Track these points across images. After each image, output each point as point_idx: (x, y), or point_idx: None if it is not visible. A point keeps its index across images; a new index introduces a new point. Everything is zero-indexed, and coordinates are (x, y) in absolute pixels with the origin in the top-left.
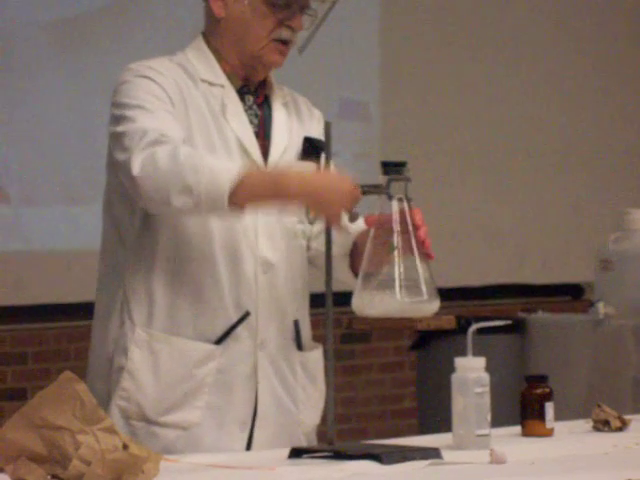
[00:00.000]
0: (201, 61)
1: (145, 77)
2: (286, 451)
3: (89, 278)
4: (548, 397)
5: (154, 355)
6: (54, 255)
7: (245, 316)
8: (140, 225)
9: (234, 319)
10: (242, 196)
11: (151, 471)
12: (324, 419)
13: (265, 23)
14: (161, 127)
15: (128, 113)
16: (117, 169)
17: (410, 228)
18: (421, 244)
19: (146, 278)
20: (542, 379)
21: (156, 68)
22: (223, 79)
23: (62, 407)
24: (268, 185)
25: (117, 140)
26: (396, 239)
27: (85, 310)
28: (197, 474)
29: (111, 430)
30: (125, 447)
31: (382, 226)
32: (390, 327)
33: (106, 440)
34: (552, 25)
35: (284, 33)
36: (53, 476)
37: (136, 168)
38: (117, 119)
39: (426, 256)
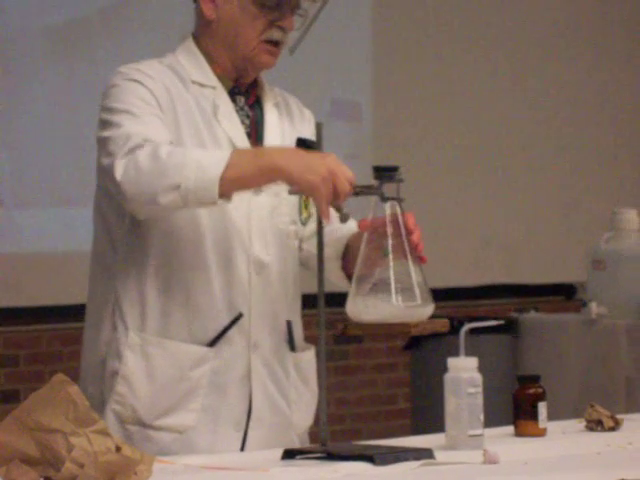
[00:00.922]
0: (192, 63)
1: (134, 81)
2: (279, 452)
3: (82, 280)
4: (541, 397)
5: (148, 359)
6: (47, 257)
7: (237, 318)
8: (130, 228)
9: (226, 321)
10: (229, 181)
11: (144, 473)
12: (317, 420)
13: (255, 24)
14: (146, 132)
15: (115, 118)
16: (102, 174)
17: (403, 232)
18: (414, 248)
19: (138, 281)
20: (535, 379)
21: (145, 71)
22: (214, 80)
23: (55, 409)
24: (251, 160)
25: (102, 145)
26: (389, 243)
27: (78, 312)
28: (190, 476)
29: (104, 432)
30: (118, 449)
31: (375, 230)
32: (384, 333)
33: (99, 442)
34: (548, 24)
35: (275, 34)
36: (46, 478)
37: (119, 173)
38: (104, 124)
39: (419, 260)
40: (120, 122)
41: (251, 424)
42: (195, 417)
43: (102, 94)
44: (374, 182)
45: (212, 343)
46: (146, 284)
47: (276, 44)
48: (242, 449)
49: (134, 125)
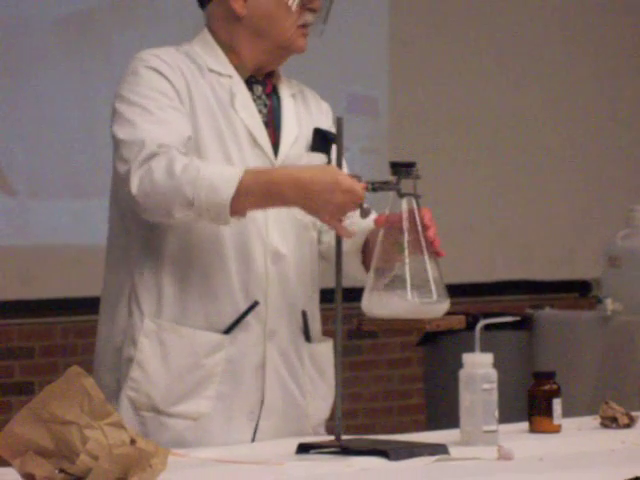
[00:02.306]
0: (208, 53)
1: (152, 69)
2: (293, 445)
3: (96, 273)
4: (556, 393)
5: (163, 345)
6: (61, 249)
7: (254, 305)
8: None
9: (243, 308)
10: (241, 204)
11: (158, 466)
12: (331, 414)
13: (291, 11)
14: (161, 136)
15: (128, 113)
16: (118, 180)
17: (419, 228)
18: (430, 244)
19: (154, 268)
20: (550, 375)
21: (164, 58)
22: (231, 70)
23: (70, 402)
24: (263, 192)
25: (117, 147)
26: (406, 239)
27: (92, 305)
28: (205, 469)
29: (119, 425)
30: (132, 442)
31: (392, 226)
32: (399, 328)
33: (113, 435)
34: (563, 22)
35: (308, 17)
36: (60, 470)
37: (134, 186)
38: (118, 117)
39: (436, 255)
40: (134, 120)
41: (263, 413)
42: (209, 404)
43: (120, 78)
44: (391, 178)
45: (228, 330)
46: (163, 271)
47: (305, 26)
48: (254, 438)
49: (148, 125)
